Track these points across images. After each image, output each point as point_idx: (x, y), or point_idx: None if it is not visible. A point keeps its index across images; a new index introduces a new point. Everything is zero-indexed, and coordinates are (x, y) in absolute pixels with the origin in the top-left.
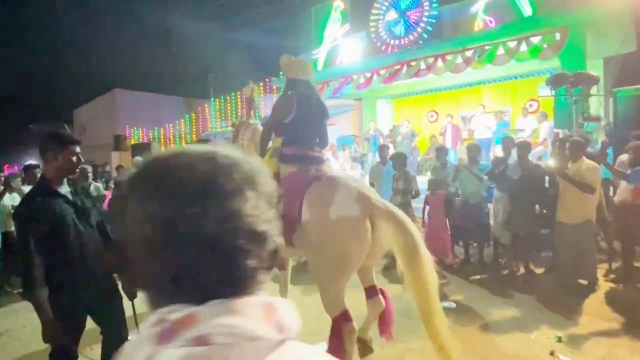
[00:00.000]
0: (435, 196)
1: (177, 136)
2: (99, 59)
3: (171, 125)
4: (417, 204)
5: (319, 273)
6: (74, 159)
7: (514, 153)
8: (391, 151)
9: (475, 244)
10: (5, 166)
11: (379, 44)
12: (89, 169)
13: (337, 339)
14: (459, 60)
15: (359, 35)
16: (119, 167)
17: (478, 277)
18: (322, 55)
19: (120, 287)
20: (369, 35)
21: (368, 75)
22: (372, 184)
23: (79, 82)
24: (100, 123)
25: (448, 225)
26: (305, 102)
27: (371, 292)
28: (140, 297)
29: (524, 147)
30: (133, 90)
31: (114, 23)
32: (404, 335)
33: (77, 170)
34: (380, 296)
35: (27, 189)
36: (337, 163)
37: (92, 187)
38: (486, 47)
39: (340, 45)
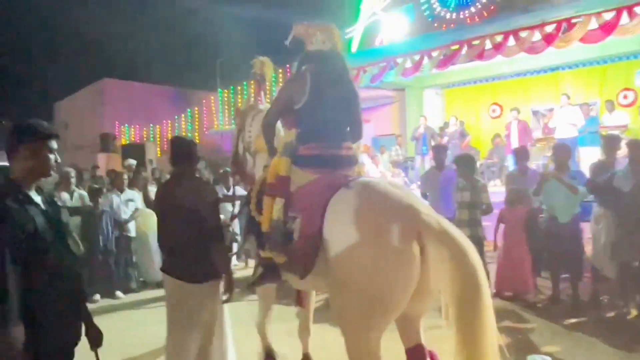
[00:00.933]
0: (514, 212)
1: (177, 134)
2: (84, 44)
3: (169, 121)
4: (486, 221)
5: (345, 318)
6: (52, 157)
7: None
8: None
9: (565, 276)
10: None
11: (430, 18)
12: (72, 172)
13: None
14: (537, 37)
15: (406, 7)
16: (110, 172)
17: (574, 320)
18: (358, 33)
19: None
20: (418, 7)
21: (417, 57)
22: (424, 195)
23: (61, 70)
24: (85, 119)
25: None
26: (325, 80)
27: (416, 354)
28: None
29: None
30: (124, 80)
31: (103, 1)
32: None
33: (53, 172)
34: None
35: None
36: (377, 169)
37: (75, 196)
38: (573, 21)
39: (381, 21)
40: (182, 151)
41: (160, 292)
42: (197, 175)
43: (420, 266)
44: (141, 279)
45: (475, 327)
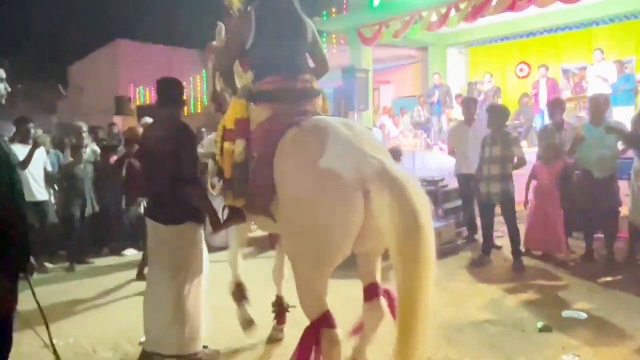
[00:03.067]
0: (549, 168)
1: (192, 96)
2: (97, 3)
3: (184, 82)
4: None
5: (292, 258)
6: (0, 87)
7: None
8: (457, 116)
9: (599, 236)
10: None
11: None
12: (84, 127)
13: (309, 348)
14: None
15: None
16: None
17: (609, 278)
18: None
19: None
20: None
21: (443, 10)
22: (452, 152)
23: (74, 32)
24: (100, 82)
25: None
26: (269, 14)
27: (370, 292)
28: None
29: None
30: (138, 41)
31: None
32: (520, 354)
33: (2, 101)
34: (382, 300)
35: (20, 148)
36: (397, 130)
37: (88, 151)
38: None
39: None
40: (163, 93)
41: None
42: (179, 119)
43: (365, 209)
44: None
45: (415, 261)
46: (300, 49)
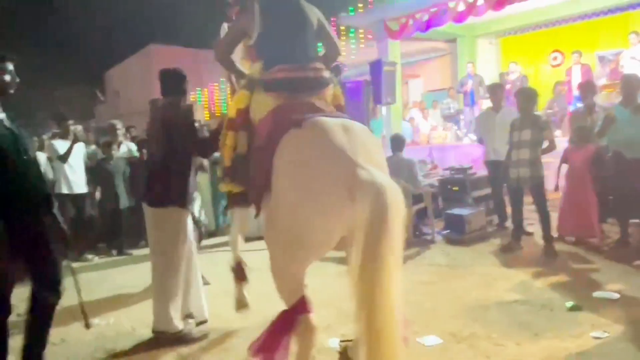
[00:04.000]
0: (580, 151)
1: (223, 97)
2: (130, 10)
3: (216, 84)
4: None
5: (270, 251)
6: (7, 77)
7: None
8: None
9: (635, 221)
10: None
11: None
12: (119, 124)
13: (283, 332)
14: None
15: None
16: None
17: None
18: None
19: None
20: None
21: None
22: (480, 140)
23: (109, 38)
24: (135, 86)
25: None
26: (276, 5)
27: None
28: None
29: None
30: (171, 46)
31: None
32: (548, 331)
33: (11, 90)
34: None
35: (61, 143)
36: (427, 124)
37: (123, 148)
38: None
39: None
40: (162, 82)
41: (210, 241)
42: (170, 107)
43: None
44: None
45: (377, 254)
46: (307, 37)
